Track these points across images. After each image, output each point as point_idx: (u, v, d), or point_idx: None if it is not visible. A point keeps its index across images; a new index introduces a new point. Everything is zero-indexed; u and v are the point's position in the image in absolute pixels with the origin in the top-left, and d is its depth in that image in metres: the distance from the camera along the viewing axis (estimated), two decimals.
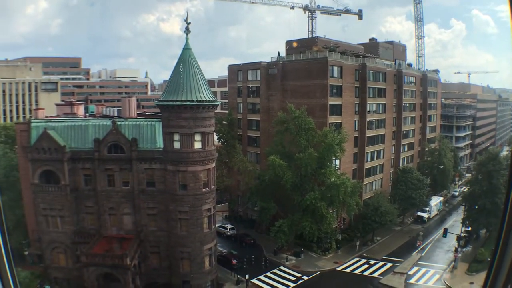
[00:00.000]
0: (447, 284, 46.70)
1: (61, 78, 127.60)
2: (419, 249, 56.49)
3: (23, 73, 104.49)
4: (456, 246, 53.49)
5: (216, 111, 44.79)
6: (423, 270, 50.42)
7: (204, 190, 41.01)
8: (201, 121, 40.17)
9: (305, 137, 50.08)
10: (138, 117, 47.96)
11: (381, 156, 67.66)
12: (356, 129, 61.71)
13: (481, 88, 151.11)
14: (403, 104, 72.55)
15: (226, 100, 72.39)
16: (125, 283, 38.02)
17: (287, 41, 70.39)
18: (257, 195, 53.87)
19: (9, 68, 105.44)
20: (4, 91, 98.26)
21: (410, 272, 49.48)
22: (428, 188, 69.43)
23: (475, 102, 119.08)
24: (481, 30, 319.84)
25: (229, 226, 61.40)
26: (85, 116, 53.23)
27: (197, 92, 39.61)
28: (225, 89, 78.22)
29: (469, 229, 58.15)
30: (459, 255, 51.67)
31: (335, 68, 57.51)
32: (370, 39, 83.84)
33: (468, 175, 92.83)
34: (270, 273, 47.93)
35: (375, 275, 48.83)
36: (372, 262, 52.34)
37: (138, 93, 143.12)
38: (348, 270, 50.17)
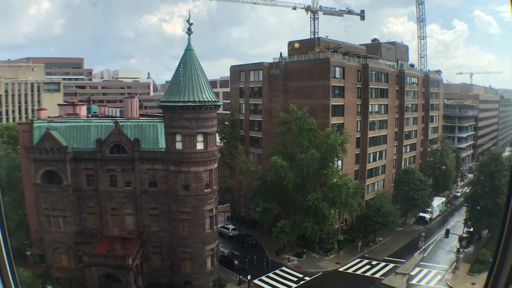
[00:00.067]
0: (449, 285, 46.61)
1: (64, 79, 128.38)
2: (421, 249, 56.40)
3: (25, 74, 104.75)
4: (458, 246, 53.47)
5: (218, 111, 44.71)
6: (425, 270, 50.37)
7: (206, 190, 41.03)
8: (203, 121, 40.17)
9: (307, 138, 50.04)
10: (140, 118, 47.86)
11: (383, 157, 67.53)
12: (358, 130, 61.62)
13: (483, 88, 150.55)
14: (405, 105, 72.38)
15: (228, 101, 72.32)
16: (127, 284, 38.07)
17: (289, 41, 70.27)
18: (259, 195, 53.86)
19: (12, 69, 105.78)
20: (6, 91, 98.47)
21: (412, 273, 49.46)
22: (430, 189, 69.34)
23: (477, 102, 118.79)
24: (483, 30, 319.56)
25: (231, 226, 61.39)
26: (87, 117, 53.36)
27: (199, 93, 39.63)
28: (227, 89, 78.09)
29: (471, 229, 58.05)
30: (461, 255, 51.60)
31: (337, 69, 57.46)
32: (372, 40, 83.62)
33: (470, 175, 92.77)
34: (272, 273, 47.92)
35: (377, 275, 48.80)
36: (374, 262, 52.29)
37: (140, 93, 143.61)
38: (350, 270, 50.13)
